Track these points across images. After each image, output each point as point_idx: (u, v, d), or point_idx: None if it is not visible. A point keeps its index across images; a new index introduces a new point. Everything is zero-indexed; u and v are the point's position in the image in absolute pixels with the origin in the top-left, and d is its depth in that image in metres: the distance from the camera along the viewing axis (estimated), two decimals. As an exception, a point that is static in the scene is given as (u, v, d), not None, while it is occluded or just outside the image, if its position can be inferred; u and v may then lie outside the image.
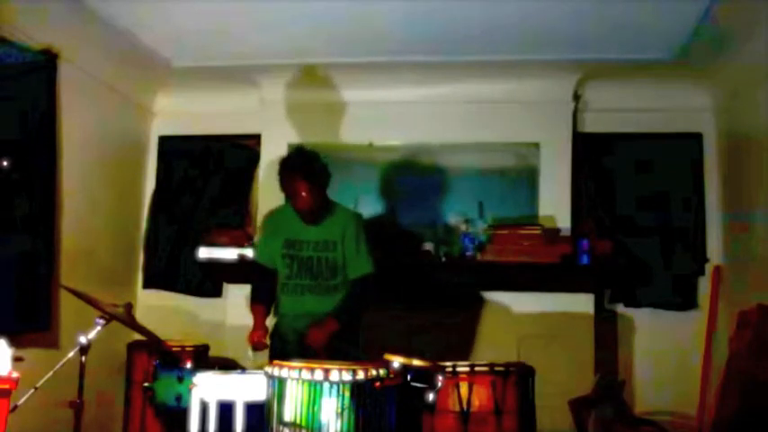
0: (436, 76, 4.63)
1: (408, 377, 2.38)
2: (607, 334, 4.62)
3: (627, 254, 4.59)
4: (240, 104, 5.03)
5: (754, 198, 4.06)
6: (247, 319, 3.49)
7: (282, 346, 3.37)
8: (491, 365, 2.87)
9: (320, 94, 4.80)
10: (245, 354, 3.41)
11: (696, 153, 4.69)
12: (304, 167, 3.31)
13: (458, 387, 2.83)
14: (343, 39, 4.18)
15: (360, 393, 2.16)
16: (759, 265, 3.95)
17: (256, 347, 3.38)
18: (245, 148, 5.12)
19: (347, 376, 2.15)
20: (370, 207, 4.82)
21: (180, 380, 2.82)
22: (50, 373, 2.69)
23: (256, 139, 4.99)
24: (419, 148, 4.89)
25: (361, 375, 2.17)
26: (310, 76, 4.69)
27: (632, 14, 3.72)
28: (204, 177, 5.12)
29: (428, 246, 4.57)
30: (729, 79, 4.33)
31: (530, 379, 2.96)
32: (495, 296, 4.50)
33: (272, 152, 4.76)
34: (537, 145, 4.70)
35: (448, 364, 2.89)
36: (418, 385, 2.40)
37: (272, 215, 3.67)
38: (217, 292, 4.99)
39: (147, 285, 5.11)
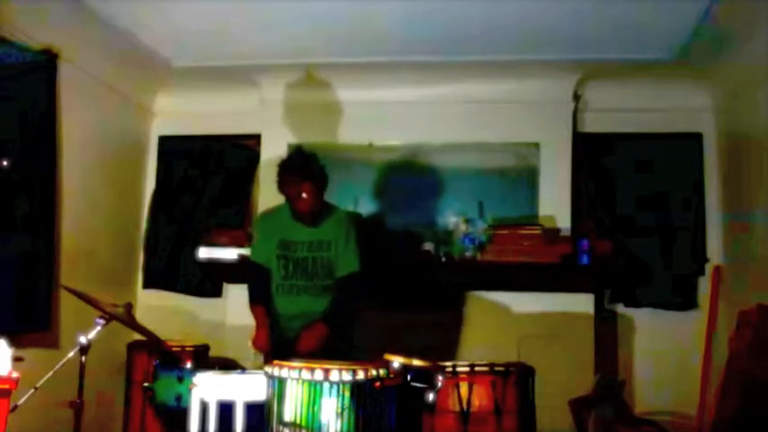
0: (436, 76, 4.63)
1: (408, 377, 2.38)
2: (607, 334, 4.62)
3: (627, 254, 4.58)
4: (240, 104, 5.03)
5: (754, 198, 4.06)
6: (247, 320, 3.50)
7: (279, 346, 3.36)
8: (491, 365, 2.87)
9: (320, 94, 4.80)
10: (248, 354, 3.41)
11: (696, 153, 4.69)
12: (305, 170, 3.32)
13: (458, 387, 2.83)
14: (343, 39, 4.18)
15: (360, 393, 2.16)
16: (759, 265, 3.95)
17: (262, 351, 3.38)
18: (245, 148, 5.12)
19: (347, 376, 2.15)
20: (370, 207, 4.83)
21: (180, 380, 2.83)
22: (50, 373, 2.69)
23: (256, 139, 4.99)
24: (419, 148, 4.89)
25: (361, 375, 2.17)
26: (310, 75, 4.69)
27: (632, 14, 3.72)
28: (204, 177, 5.12)
29: (428, 246, 4.57)
30: (729, 79, 4.33)
31: (530, 379, 2.96)
32: (495, 296, 4.50)
33: (272, 152, 4.76)
34: (537, 145, 4.69)
35: (448, 364, 2.89)
36: (418, 385, 2.40)
37: (267, 215, 3.68)
38: (217, 292, 4.99)
39: (147, 285, 5.11)
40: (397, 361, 2.36)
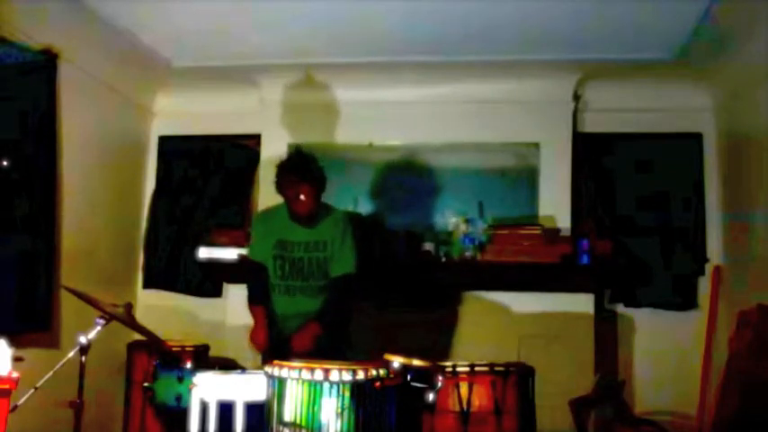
0: (436, 76, 4.63)
1: (408, 377, 2.38)
2: (607, 334, 4.62)
3: (627, 254, 4.58)
4: (240, 104, 5.03)
5: (754, 198, 4.06)
6: (247, 319, 3.50)
7: (278, 346, 3.36)
8: (491, 365, 2.87)
9: (320, 94, 4.80)
10: (248, 354, 3.41)
11: (696, 153, 4.69)
12: (304, 171, 3.33)
13: (458, 387, 2.84)
14: (343, 39, 4.18)
15: (360, 393, 2.16)
16: (759, 265, 3.95)
17: (261, 349, 3.39)
18: (245, 148, 5.12)
19: (347, 376, 2.15)
20: (370, 207, 4.83)
21: (180, 380, 2.83)
22: (50, 373, 2.69)
23: (256, 139, 4.99)
24: (419, 148, 4.89)
25: (361, 375, 2.17)
26: (310, 76, 4.69)
27: (632, 14, 3.72)
28: (204, 177, 5.12)
29: (428, 246, 4.57)
30: (729, 79, 4.33)
31: (530, 379, 2.97)
32: (495, 296, 4.50)
33: (272, 152, 4.75)
34: (537, 145, 4.69)
35: (448, 364, 2.89)
36: (418, 385, 2.40)
37: (264, 215, 3.69)
38: (217, 292, 4.99)
39: (147, 285, 5.11)
40: (397, 361, 2.36)
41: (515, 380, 2.87)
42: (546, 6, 3.67)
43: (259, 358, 3.47)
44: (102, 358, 3.52)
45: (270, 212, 3.64)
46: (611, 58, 4.27)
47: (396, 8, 3.75)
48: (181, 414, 2.65)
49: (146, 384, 3.01)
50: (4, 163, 3.61)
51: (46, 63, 3.83)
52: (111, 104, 4.67)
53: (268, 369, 2.27)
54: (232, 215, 5.05)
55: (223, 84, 4.91)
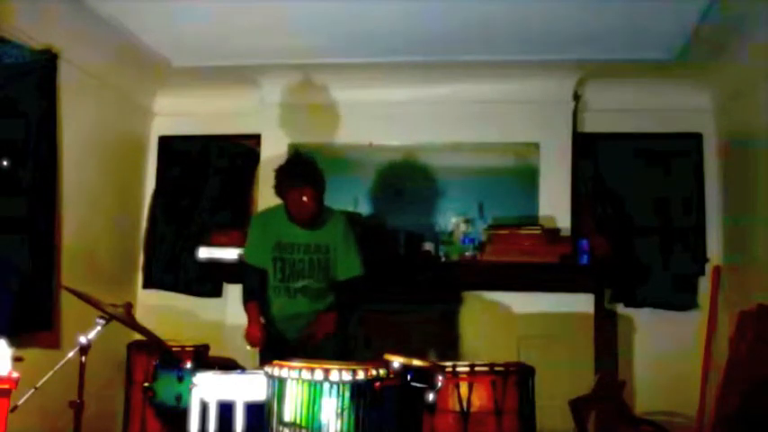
0: (436, 76, 4.63)
1: (408, 377, 2.38)
2: (607, 334, 4.62)
3: (627, 254, 4.58)
4: (240, 104, 5.03)
5: (754, 198, 4.05)
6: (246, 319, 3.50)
7: (277, 347, 3.36)
8: (491, 365, 2.87)
9: (320, 94, 4.80)
10: (246, 348, 3.42)
11: (696, 153, 4.69)
12: (307, 174, 3.34)
13: (458, 387, 2.84)
14: (343, 39, 4.18)
15: (360, 393, 2.15)
16: (759, 265, 3.95)
17: (255, 345, 3.39)
18: (245, 148, 5.12)
19: (347, 376, 2.15)
20: (370, 207, 4.83)
21: (180, 380, 2.82)
22: (50, 373, 2.69)
23: (256, 139, 4.99)
24: (419, 149, 4.89)
25: (361, 375, 2.16)
26: (310, 76, 4.69)
27: (632, 14, 3.72)
28: (204, 177, 5.12)
29: (428, 246, 4.57)
30: (729, 79, 4.33)
31: (530, 379, 2.96)
32: (495, 296, 4.50)
33: (272, 152, 4.77)
34: (537, 145, 4.69)
35: (448, 364, 2.89)
36: (418, 385, 2.39)
37: (261, 217, 3.70)
38: (217, 292, 4.99)
39: (147, 285, 5.11)
40: (397, 361, 2.36)
41: (515, 380, 2.86)
42: (546, 6, 3.67)
43: (256, 356, 3.47)
44: (102, 358, 3.51)
45: (266, 215, 3.64)
46: (611, 58, 4.27)
47: (396, 8, 3.75)
48: (181, 414, 2.65)
49: (146, 384, 3.00)
50: (4, 163, 3.61)
51: (46, 63, 3.83)
52: (112, 104, 4.67)
53: (268, 369, 2.27)
54: (232, 215, 5.04)
55: (223, 84, 4.90)
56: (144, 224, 5.15)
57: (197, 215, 5.08)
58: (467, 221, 4.56)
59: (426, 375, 2.43)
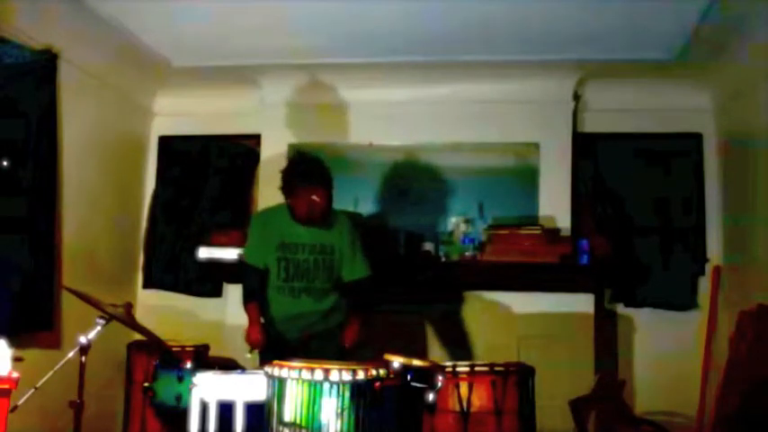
0: (436, 76, 4.63)
1: (408, 377, 2.38)
2: (607, 334, 4.62)
3: (627, 254, 4.58)
4: (240, 104, 5.03)
5: (754, 198, 4.05)
6: (247, 319, 3.49)
7: (278, 348, 3.36)
8: (491, 365, 2.88)
9: (320, 94, 4.80)
10: (245, 356, 3.42)
11: (696, 153, 4.69)
12: (318, 174, 3.34)
13: (458, 387, 2.84)
14: (343, 39, 4.18)
15: (360, 393, 2.16)
16: (759, 265, 3.95)
17: (256, 347, 3.39)
18: (245, 149, 5.11)
19: (347, 376, 2.15)
20: (370, 207, 4.83)
21: (180, 380, 2.83)
22: (50, 373, 2.69)
23: (256, 139, 4.99)
24: (419, 149, 4.89)
25: (361, 375, 2.16)
26: (310, 76, 4.69)
27: (632, 14, 3.72)
28: (204, 177, 5.12)
29: (428, 246, 4.57)
30: (729, 79, 4.33)
31: (530, 379, 2.97)
32: (495, 296, 4.50)
33: (272, 152, 4.77)
34: (537, 145, 4.69)
35: (448, 364, 2.89)
36: (418, 385, 2.40)
37: (263, 217, 3.68)
38: (217, 292, 4.99)
39: (147, 285, 5.11)
40: (397, 361, 2.36)
41: (515, 380, 2.87)
42: (546, 6, 3.67)
43: (256, 356, 3.47)
44: (102, 358, 3.52)
45: (267, 215, 3.64)
46: (611, 58, 4.27)
47: (396, 8, 3.75)
48: (181, 414, 2.65)
49: (146, 384, 3.00)
50: (5, 163, 3.61)
51: (46, 63, 3.83)
52: (112, 104, 4.67)
53: (268, 369, 2.27)
54: (232, 215, 5.04)
55: (223, 84, 4.90)
56: (144, 224, 5.15)
57: (197, 215, 5.08)
58: (467, 221, 4.55)
59: (426, 375, 2.43)
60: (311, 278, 3.44)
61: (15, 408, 2.53)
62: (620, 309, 4.71)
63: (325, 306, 3.47)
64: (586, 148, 4.76)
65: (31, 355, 3.08)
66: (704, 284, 4.59)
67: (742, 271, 4.25)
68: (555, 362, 4.06)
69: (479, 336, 4.45)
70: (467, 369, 2.87)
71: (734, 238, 4.41)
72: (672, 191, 4.67)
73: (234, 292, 4.70)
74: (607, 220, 4.70)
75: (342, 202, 3.81)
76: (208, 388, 2.54)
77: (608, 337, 4.63)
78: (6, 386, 2.42)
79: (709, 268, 4.60)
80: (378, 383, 2.19)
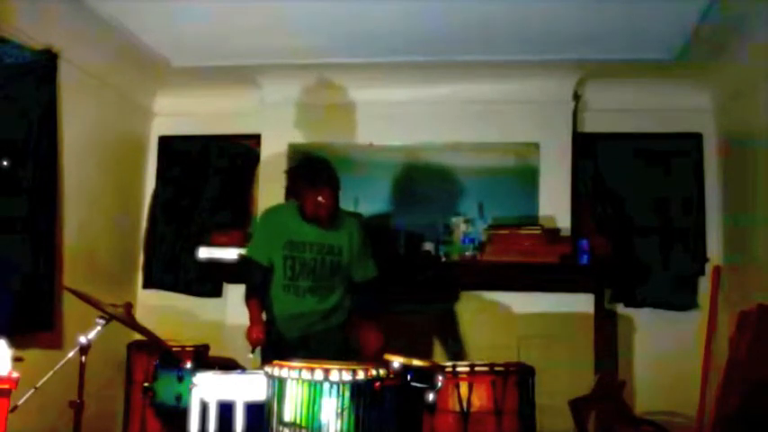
0: (436, 76, 4.63)
1: (408, 377, 2.38)
2: (607, 334, 4.62)
3: (627, 254, 4.58)
4: (240, 104, 5.03)
5: (754, 198, 4.05)
6: (247, 319, 3.49)
7: (279, 348, 3.35)
8: (491, 365, 2.87)
9: (320, 93, 4.80)
10: (246, 356, 3.41)
11: (696, 153, 4.69)
12: (326, 175, 3.35)
13: (458, 387, 2.84)
14: (343, 39, 4.18)
15: (360, 393, 2.16)
16: (759, 265, 3.95)
17: (257, 344, 3.38)
18: (245, 148, 5.11)
19: (347, 376, 2.15)
20: (370, 207, 4.82)
21: (180, 380, 2.83)
22: (50, 373, 2.69)
23: (256, 139, 4.99)
24: (419, 148, 4.89)
25: (361, 375, 2.16)
26: (310, 76, 4.69)
27: (632, 14, 3.72)
28: (204, 177, 5.12)
29: (428, 246, 4.57)
30: (729, 79, 4.33)
31: (530, 379, 2.96)
32: (495, 296, 4.50)
33: (272, 152, 4.77)
34: (537, 145, 4.69)
35: (448, 364, 2.89)
36: (418, 385, 2.40)
37: (271, 215, 3.66)
38: (217, 292, 4.99)
39: (147, 285, 5.11)
40: (397, 361, 2.36)
41: (515, 380, 2.86)
42: (546, 6, 3.67)
43: (258, 355, 3.47)
44: (102, 358, 3.52)
45: (277, 212, 3.63)
46: (611, 58, 4.27)
47: (396, 8, 3.75)
48: (181, 414, 2.65)
49: (146, 384, 3.00)
50: (4, 163, 3.61)
51: (46, 63, 3.83)
52: (112, 104, 4.67)
53: (268, 369, 2.27)
54: (232, 215, 5.05)
55: (223, 84, 4.90)
56: (144, 224, 5.15)
57: (197, 215, 5.08)
58: (467, 221, 4.55)
59: (426, 375, 2.44)
60: (317, 277, 3.44)
61: (15, 408, 2.53)
62: (620, 309, 4.71)
63: (327, 306, 3.47)
64: (586, 148, 4.76)
65: (31, 355, 3.08)
66: (704, 284, 4.59)
67: (742, 271, 4.25)
68: (555, 362, 4.06)
69: (479, 336, 4.44)
70: (467, 369, 2.87)
71: (734, 238, 4.42)
72: (672, 191, 4.67)
73: (234, 292, 4.70)
74: (607, 220, 4.71)
75: (342, 202, 3.81)
76: (208, 388, 2.54)
77: (608, 337, 4.63)
78: (6, 386, 2.42)
79: (709, 268, 4.60)
80: (378, 383, 2.19)
